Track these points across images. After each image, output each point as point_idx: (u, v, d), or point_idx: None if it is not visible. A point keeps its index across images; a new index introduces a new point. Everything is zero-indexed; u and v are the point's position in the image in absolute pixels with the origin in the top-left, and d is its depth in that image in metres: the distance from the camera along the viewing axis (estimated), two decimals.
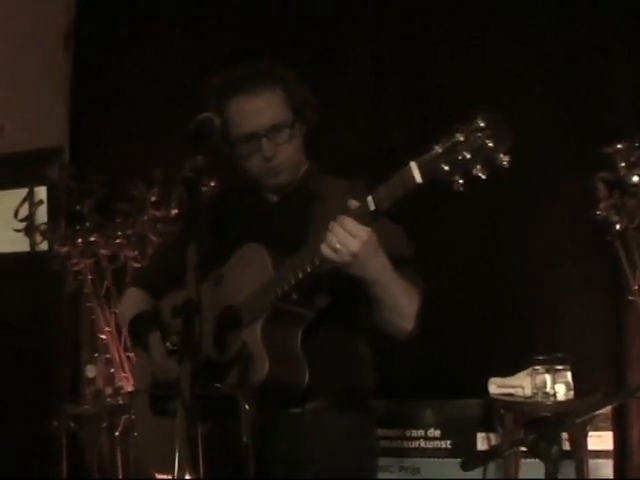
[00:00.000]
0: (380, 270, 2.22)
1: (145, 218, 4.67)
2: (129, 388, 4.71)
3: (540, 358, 4.08)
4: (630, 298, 4.14)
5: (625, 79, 4.33)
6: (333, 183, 2.56)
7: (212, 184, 4.32)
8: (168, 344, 2.19)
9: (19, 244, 5.20)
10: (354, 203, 2.14)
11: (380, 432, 3.30)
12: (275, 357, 2.29)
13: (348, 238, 2.11)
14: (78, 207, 4.79)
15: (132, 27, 5.23)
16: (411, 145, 4.60)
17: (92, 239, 4.68)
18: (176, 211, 4.40)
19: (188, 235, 2.26)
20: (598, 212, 4.08)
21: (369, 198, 2.09)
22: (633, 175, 4.03)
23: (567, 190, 4.33)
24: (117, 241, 4.64)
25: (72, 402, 4.81)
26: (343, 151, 4.59)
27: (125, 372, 4.82)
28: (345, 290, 2.35)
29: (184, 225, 3.13)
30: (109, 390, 4.74)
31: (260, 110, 2.46)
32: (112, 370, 4.83)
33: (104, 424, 4.58)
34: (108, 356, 4.87)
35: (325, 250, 2.14)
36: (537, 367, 4.07)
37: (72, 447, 4.75)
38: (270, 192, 2.59)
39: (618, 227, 4.09)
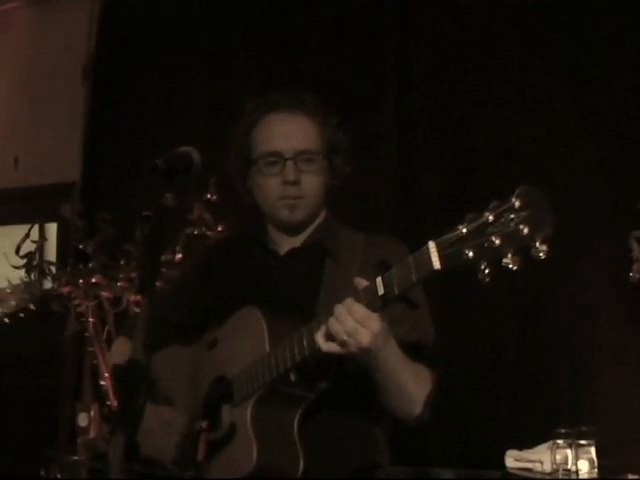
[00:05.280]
0: (388, 358, 1.95)
1: None
2: None
3: (562, 431, 3.73)
4: None
5: None
6: (350, 239, 2.30)
7: (219, 229, 4.15)
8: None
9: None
10: (362, 282, 1.86)
11: None
12: (265, 443, 2.02)
13: (358, 330, 1.83)
14: (81, 246, 4.60)
15: (151, 62, 5.08)
16: (440, 190, 4.34)
17: (94, 280, 4.48)
18: (180, 255, 4.18)
19: (141, 285, 2.05)
20: (631, 274, 3.75)
21: (378, 280, 1.81)
22: None
23: (601, 250, 4.00)
24: (119, 284, 4.43)
25: (66, 451, 4.55)
26: (370, 197, 4.38)
27: None
28: (352, 371, 2.07)
29: (183, 272, 2.96)
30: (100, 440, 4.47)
31: (293, 132, 2.28)
32: None
33: None
34: (109, 403, 4.62)
35: (327, 343, 1.89)
36: (558, 441, 3.71)
37: None
38: (282, 231, 2.35)
39: None
